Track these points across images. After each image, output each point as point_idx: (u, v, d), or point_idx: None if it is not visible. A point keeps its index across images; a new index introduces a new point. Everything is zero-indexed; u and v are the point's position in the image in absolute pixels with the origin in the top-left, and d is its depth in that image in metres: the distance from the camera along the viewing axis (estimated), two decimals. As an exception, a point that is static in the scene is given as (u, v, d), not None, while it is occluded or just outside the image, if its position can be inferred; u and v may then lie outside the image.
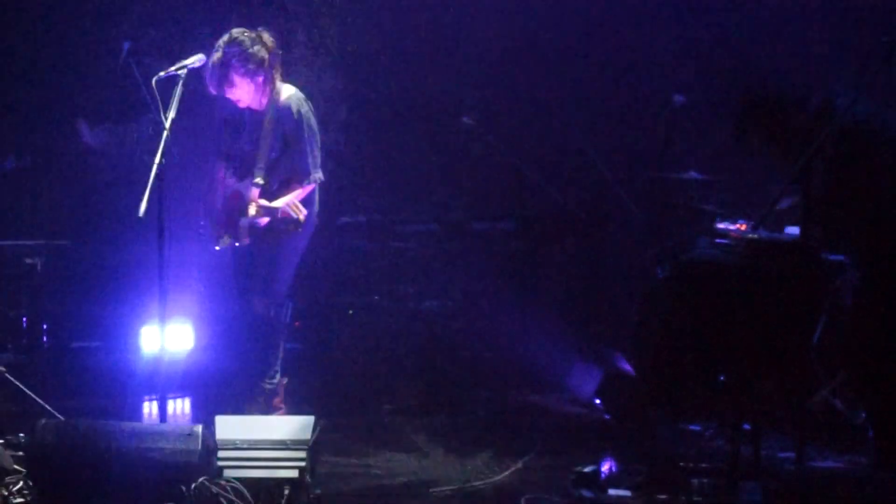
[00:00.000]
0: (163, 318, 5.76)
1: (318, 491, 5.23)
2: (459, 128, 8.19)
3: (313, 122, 6.40)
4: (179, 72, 5.84)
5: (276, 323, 6.50)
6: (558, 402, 7.33)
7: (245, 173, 6.39)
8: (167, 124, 5.66)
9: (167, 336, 5.93)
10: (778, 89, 5.76)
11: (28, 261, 7.67)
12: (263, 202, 6.19)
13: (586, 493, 5.45)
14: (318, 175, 6.38)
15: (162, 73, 5.87)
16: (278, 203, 6.19)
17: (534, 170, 8.21)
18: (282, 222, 6.08)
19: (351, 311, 7.84)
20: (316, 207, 6.48)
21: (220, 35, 6.36)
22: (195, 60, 5.93)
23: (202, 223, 6.54)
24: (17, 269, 7.82)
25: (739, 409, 5.89)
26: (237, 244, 6.40)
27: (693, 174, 7.23)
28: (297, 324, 8.26)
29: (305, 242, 6.49)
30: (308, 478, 5.19)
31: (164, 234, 5.66)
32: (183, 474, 5.05)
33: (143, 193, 5.51)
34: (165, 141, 5.68)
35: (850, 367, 5.76)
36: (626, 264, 8.08)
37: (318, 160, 6.39)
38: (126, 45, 6.04)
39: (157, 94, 5.76)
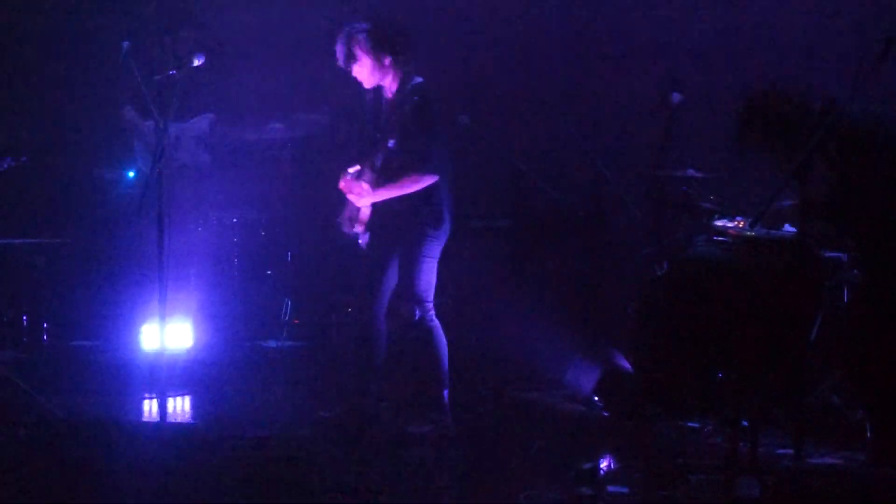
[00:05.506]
0: (163, 317, 5.78)
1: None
2: (456, 127, 8.19)
3: (434, 113, 6.30)
4: (179, 71, 5.85)
5: (430, 327, 6.45)
6: (557, 399, 7.35)
7: (368, 161, 6.38)
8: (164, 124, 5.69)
9: (167, 334, 5.95)
10: (781, 89, 5.75)
11: (28, 259, 7.69)
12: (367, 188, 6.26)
13: (585, 490, 5.46)
14: (429, 169, 6.28)
15: (169, 72, 5.87)
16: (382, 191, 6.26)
17: (531, 168, 8.21)
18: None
19: (350, 309, 7.85)
20: (439, 207, 6.39)
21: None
22: (195, 59, 5.92)
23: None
24: (17, 268, 7.85)
25: (737, 405, 5.91)
26: (356, 234, 6.45)
27: (691, 172, 7.24)
28: (295, 321, 8.29)
29: (440, 246, 6.44)
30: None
31: (163, 233, 5.68)
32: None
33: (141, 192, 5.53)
34: (162, 141, 5.69)
35: (847, 363, 5.78)
36: (624, 262, 8.09)
37: (433, 154, 6.28)
38: (125, 45, 6.02)
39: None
